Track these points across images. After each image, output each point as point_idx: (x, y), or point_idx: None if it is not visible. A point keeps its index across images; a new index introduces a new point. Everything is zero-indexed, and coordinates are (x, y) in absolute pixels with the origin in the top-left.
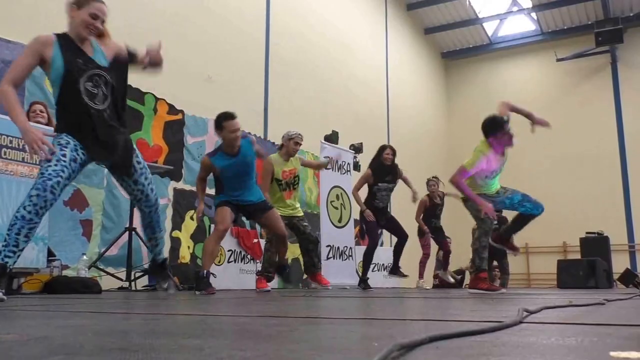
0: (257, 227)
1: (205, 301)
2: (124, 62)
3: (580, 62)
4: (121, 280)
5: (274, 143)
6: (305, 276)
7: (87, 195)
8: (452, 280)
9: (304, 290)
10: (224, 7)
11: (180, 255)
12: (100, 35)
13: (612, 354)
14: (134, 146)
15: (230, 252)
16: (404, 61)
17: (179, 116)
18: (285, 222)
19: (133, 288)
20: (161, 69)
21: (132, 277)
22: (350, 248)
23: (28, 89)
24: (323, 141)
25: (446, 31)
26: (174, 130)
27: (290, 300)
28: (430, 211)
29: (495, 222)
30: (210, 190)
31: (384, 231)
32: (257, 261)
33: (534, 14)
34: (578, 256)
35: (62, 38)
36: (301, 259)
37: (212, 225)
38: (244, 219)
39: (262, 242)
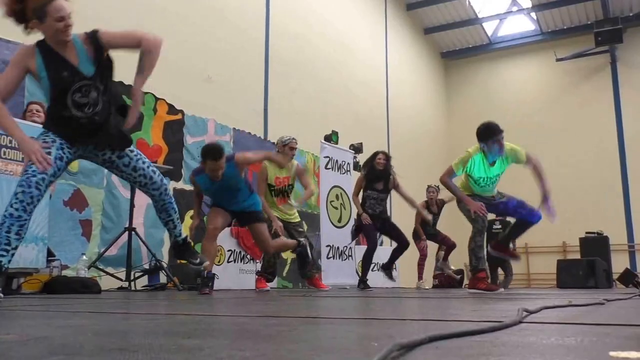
0: None
1: (204, 301)
2: (107, 60)
3: (580, 62)
4: (121, 280)
5: (273, 143)
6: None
7: (86, 195)
8: (451, 269)
9: (303, 290)
10: (224, 7)
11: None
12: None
13: (612, 353)
14: (130, 138)
15: (230, 252)
16: (403, 61)
17: (179, 116)
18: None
19: (133, 288)
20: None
21: (132, 277)
22: (350, 248)
23: (28, 89)
24: (323, 141)
25: (446, 31)
26: (174, 130)
27: (290, 300)
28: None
29: (499, 226)
30: None
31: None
32: (257, 261)
33: (533, 14)
34: (578, 256)
35: (43, 48)
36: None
37: None
38: None
39: None
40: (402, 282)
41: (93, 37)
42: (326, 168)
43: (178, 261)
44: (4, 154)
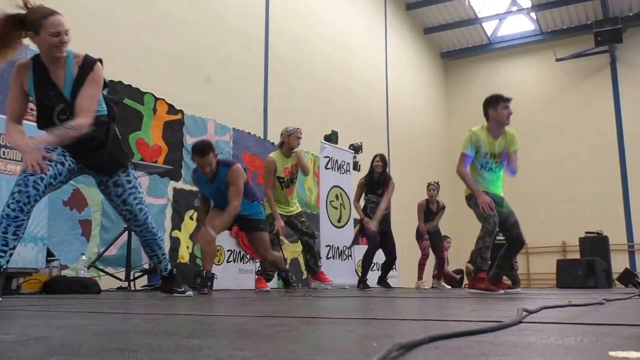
0: None
1: (204, 301)
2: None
3: (580, 61)
4: (120, 280)
5: (273, 143)
6: (305, 276)
7: (86, 195)
8: (447, 286)
9: (303, 290)
10: (224, 7)
11: (180, 255)
12: None
13: (611, 353)
14: (126, 163)
15: (230, 252)
16: (403, 61)
17: (179, 116)
18: (284, 219)
19: (132, 288)
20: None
21: (131, 277)
22: (350, 248)
23: None
24: (323, 141)
25: (445, 31)
26: (174, 130)
27: (290, 300)
28: (425, 215)
29: (503, 238)
30: None
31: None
32: (257, 261)
33: (533, 14)
34: (577, 256)
35: (36, 64)
36: (301, 259)
37: None
38: None
39: None
40: (402, 282)
41: (85, 67)
42: (326, 168)
43: (178, 261)
44: (4, 153)
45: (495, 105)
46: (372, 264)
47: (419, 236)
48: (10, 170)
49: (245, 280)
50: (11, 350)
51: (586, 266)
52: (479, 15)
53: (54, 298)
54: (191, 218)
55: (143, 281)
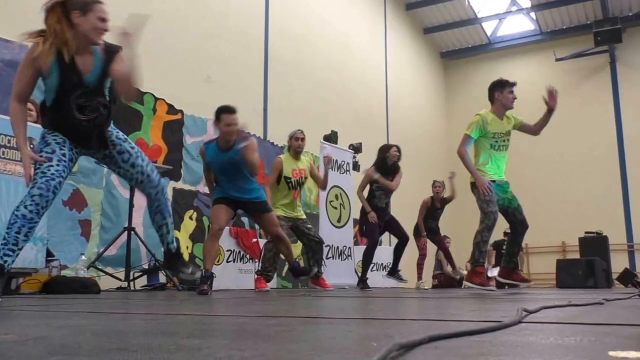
0: (257, 226)
1: (204, 301)
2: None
3: (579, 61)
4: (120, 280)
5: (272, 143)
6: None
7: (86, 195)
8: (463, 273)
9: (303, 290)
10: (224, 7)
11: (179, 247)
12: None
13: (611, 353)
14: (123, 136)
15: (229, 252)
16: (403, 61)
17: (178, 116)
18: (290, 224)
19: (132, 288)
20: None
21: (131, 277)
22: (350, 248)
23: None
24: (322, 141)
25: (445, 31)
26: (173, 130)
27: (290, 300)
28: (429, 212)
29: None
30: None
31: (384, 230)
32: (256, 261)
33: (533, 14)
34: (577, 256)
35: (61, 48)
36: (301, 261)
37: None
38: (243, 219)
39: (262, 241)
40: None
41: (110, 52)
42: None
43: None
44: (3, 153)
45: (502, 89)
46: (372, 264)
47: (418, 233)
48: (9, 170)
49: (244, 280)
50: (11, 350)
51: (586, 266)
52: (479, 15)
53: (53, 298)
54: (191, 218)
55: (143, 281)
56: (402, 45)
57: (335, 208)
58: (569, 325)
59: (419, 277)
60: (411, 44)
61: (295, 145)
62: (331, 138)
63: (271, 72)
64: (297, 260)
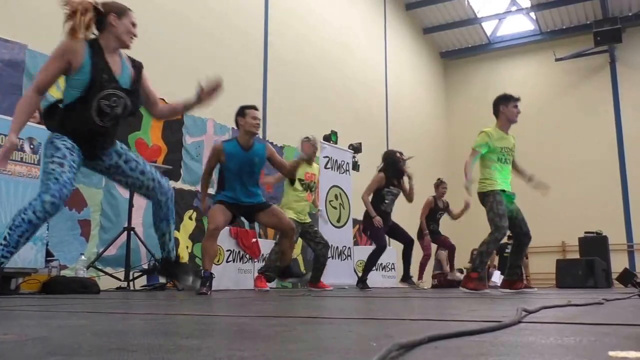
0: (256, 226)
1: (203, 301)
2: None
3: (579, 61)
4: (119, 280)
5: (272, 143)
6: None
7: (85, 195)
8: (459, 277)
9: (302, 290)
10: (223, 7)
11: (179, 255)
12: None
13: (611, 353)
14: (125, 147)
15: (229, 252)
16: (402, 61)
17: (178, 116)
18: (299, 229)
19: (131, 288)
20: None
21: (131, 277)
22: (349, 248)
23: (26, 88)
24: (322, 141)
25: (445, 31)
26: (173, 130)
27: (289, 300)
28: (432, 213)
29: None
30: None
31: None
32: (256, 260)
33: (532, 14)
34: (577, 256)
35: (94, 46)
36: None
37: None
38: (243, 219)
39: (261, 241)
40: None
41: (137, 66)
42: (325, 168)
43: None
44: None
45: (507, 103)
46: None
47: (421, 235)
48: (9, 170)
49: (244, 280)
50: (10, 350)
51: (586, 266)
52: (479, 15)
53: (53, 298)
54: (190, 218)
55: (142, 281)
56: (402, 45)
57: (335, 208)
58: (569, 325)
59: (420, 277)
60: (411, 44)
61: (311, 151)
62: (331, 138)
63: (271, 72)
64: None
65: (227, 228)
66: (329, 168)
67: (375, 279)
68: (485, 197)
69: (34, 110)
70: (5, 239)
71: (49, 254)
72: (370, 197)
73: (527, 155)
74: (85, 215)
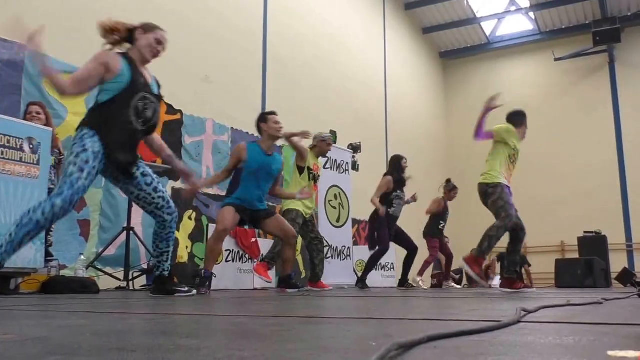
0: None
1: (203, 301)
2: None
3: (578, 61)
4: (119, 280)
5: None
6: (303, 275)
7: (84, 195)
8: (457, 286)
9: (302, 290)
10: (222, 6)
11: (178, 255)
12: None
13: (610, 353)
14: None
15: (228, 251)
16: (402, 61)
17: (177, 116)
18: (301, 221)
19: (131, 288)
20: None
21: (130, 277)
22: (349, 248)
23: (25, 88)
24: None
25: (444, 31)
26: (172, 130)
27: (289, 300)
28: (442, 214)
29: None
30: (210, 190)
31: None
32: (255, 260)
33: (531, 14)
34: (576, 255)
35: (127, 58)
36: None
37: (210, 225)
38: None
39: (260, 241)
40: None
41: (158, 83)
42: (325, 168)
43: (176, 261)
44: (1, 153)
45: (525, 120)
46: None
47: (434, 232)
48: (8, 170)
49: (243, 280)
50: (10, 350)
51: (585, 266)
52: (478, 15)
53: (52, 298)
54: (190, 218)
55: (142, 281)
56: (401, 45)
57: (334, 208)
58: (568, 324)
59: (420, 274)
60: (410, 43)
61: (327, 150)
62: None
63: (270, 71)
64: (293, 272)
65: None
66: (328, 168)
67: (374, 278)
68: (492, 188)
69: (62, 83)
70: (10, 235)
71: (48, 253)
72: (378, 200)
73: (526, 155)
74: (84, 215)
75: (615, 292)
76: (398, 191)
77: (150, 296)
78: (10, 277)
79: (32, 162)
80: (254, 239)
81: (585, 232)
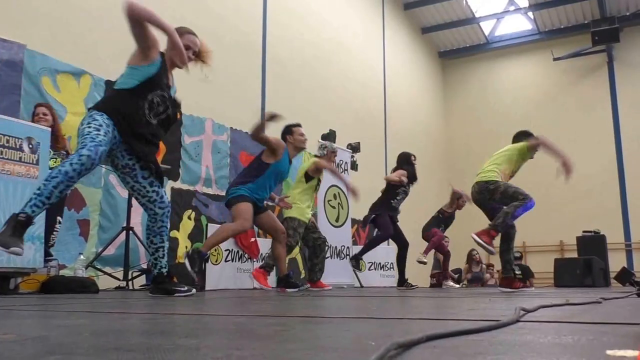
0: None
1: (202, 300)
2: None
3: (577, 61)
4: (118, 280)
5: None
6: (303, 275)
7: (84, 194)
8: (455, 285)
9: (301, 290)
10: (221, 6)
11: (178, 255)
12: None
13: (609, 352)
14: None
15: (227, 251)
16: (401, 61)
17: (177, 116)
18: (302, 229)
19: (130, 288)
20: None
21: (130, 277)
22: (348, 247)
23: (25, 89)
24: (321, 140)
25: (443, 30)
26: (172, 129)
27: (288, 300)
28: (448, 219)
29: (519, 254)
30: (209, 190)
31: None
32: (254, 260)
33: (530, 14)
34: (575, 255)
35: (162, 55)
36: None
37: (210, 225)
38: None
39: (260, 240)
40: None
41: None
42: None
43: (176, 261)
44: (1, 153)
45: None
46: (370, 264)
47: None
48: (8, 170)
49: (243, 280)
50: (9, 350)
51: (584, 265)
52: (477, 15)
53: (52, 298)
54: (189, 218)
55: (141, 281)
56: (400, 44)
57: (334, 207)
58: (567, 324)
59: (426, 252)
60: (409, 43)
61: (333, 161)
62: (329, 137)
63: (269, 71)
64: (291, 271)
65: None
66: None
67: (374, 278)
68: (492, 184)
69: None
70: (39, 188)
71: (47, 253)
72: (385, 195)
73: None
74: (84, 214)
75: (614, 292)
76: (407, 186)
77: (149, 296)
78: (9, 277)
79: (31, 162)
80: (253, 239)
81: (584, 231)
